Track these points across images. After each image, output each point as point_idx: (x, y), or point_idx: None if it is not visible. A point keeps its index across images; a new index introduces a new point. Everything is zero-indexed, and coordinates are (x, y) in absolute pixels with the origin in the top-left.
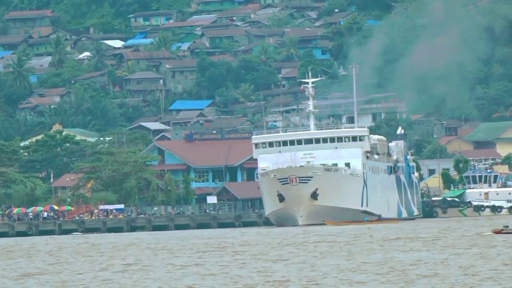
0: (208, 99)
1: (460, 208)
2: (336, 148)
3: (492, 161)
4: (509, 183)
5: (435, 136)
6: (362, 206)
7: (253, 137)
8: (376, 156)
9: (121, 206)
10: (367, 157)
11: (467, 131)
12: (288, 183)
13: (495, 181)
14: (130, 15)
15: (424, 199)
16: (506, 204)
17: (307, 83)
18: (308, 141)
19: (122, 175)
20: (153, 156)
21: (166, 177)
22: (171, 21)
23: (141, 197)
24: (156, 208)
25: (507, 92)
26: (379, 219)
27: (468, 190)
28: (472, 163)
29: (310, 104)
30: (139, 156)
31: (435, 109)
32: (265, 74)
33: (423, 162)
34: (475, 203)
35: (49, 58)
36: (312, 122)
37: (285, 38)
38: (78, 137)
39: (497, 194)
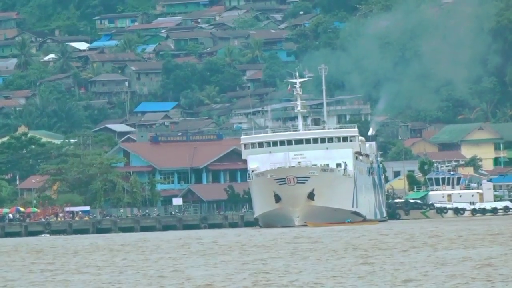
0: (173, 101)
1: (423, 210)
2: (327, 148)
3: (456, 163)
4: (472, 185)
5: (400, 138)
6: (353, 207)
7: (242, 137)
8: (361, 157)
9: (87, 208)
10: (356, 158)
11: (432, 133)
12: (285, 183)
13: (458, 183)
14: (96, 17)
15: (389, 201)
16: (468, 206)
17: (295, 83)
18: (299, 142)
19: (88, 177)
20: (118, 158)
21: (131, 179)
22: (136, 23)
23: (107, 199)
24: (121, 210)
25: (471, 94)
26: (364, 220)
27: (431, 192)
28: (435, 165)
29: (298, 104)
30: (105, 158)
31: (399, 111)
32: (230, 76)
33: (388, 164)
34: (437, 205)
35: (14, 60)
36: (300, 123)
37: (250, 40)
38: (43, 139)
39: (460, 196)
